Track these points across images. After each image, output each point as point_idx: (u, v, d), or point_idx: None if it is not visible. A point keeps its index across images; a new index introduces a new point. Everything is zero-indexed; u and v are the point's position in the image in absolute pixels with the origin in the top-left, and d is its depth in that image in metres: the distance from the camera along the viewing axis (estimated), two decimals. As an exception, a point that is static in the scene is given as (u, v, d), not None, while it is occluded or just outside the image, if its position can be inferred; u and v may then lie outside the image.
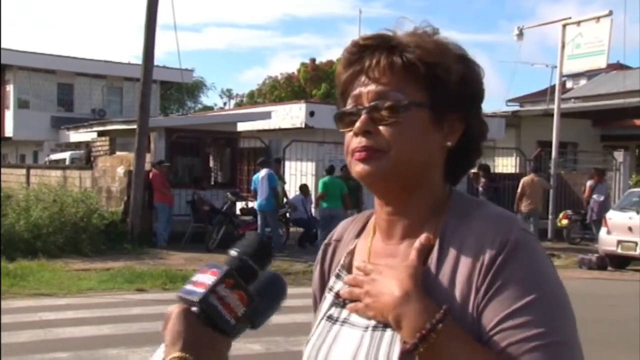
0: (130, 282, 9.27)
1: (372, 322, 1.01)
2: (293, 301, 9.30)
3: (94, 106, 30.21)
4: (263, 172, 12.11)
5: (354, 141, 1.04)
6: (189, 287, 0.93)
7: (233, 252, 0.97)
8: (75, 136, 22.57)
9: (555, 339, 0.92)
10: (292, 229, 13.76)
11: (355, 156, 1.03)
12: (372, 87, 1.04)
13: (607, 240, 12.13)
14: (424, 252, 1.01)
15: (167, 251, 12.04)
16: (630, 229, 11.87)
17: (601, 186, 14.74)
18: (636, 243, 11.75)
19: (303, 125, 17.82)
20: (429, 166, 1.05)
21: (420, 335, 0.93)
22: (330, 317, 1.10)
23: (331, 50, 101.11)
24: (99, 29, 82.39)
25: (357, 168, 1.03)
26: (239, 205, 14.05)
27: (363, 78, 1.05)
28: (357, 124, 1.03)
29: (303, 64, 45.01)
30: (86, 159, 16.72)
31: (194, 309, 0.92)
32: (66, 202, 12.24)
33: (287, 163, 15.07)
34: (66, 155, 22.93)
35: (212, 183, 14.62)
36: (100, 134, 16.37)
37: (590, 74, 27.06)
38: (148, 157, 12.98)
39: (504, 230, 0.98)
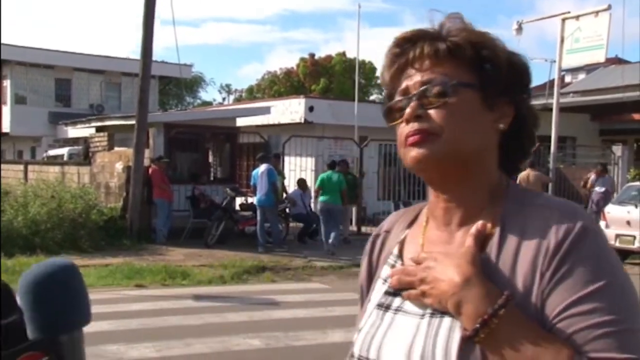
0: (129, 278, 9.27)
1: (428, 310, 1.00)
2: (293, 296, 9.33)
3: (92, 101, 30.16)
4: (262, 168, 12.10)
5: (405, 129, 1.03)
6: None
7: None
8: (73, 132, 22.56)
9: (625, 326, 0.90)
10: (291, 224, 13.76)
11: (409, 141, 1.02)
12: (418, 76, 1.04)
13: (606, 234, 12.10)
14: (481, 239, 1.00)
15: (166, 247, 12.04)
16: (628, 222, 11.88)
17: (603, 179, 14.78)
18: (634, 237, 11.77)
19: (302, 121, 17.81)
20: (483, 150, 1.04)
21: (482, 321, 0.91)
22: (381, 306, 1.08)
23: (329, 45, 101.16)
24: (97, 24, 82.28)
25: (412, 153, 1.02)
26: (239, 200, 14.04)
27: (408, 70, 1.05)
28: (407, 110, 1.02)
29: (302, 59, 44.94)
30: (84, 155, 16.69)
31: None
32: (64, 198, 12.22)
33: (286, 158, 15.06)
34: (64, 151, 22.91)
35: (212, 178, 14.60)
36: (99, 129, 16.34)
37: (589, 69, 27.02)
38: (147, 153, 12.97)
39: (569, 216, 0.97)
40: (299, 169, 15.27)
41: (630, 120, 21.68)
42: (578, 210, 0.99)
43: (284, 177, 14.18)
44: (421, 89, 1.02)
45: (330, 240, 11.93)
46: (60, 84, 30.16)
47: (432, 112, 1.01)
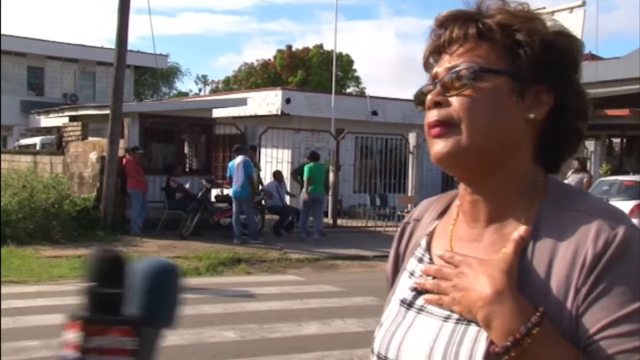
0: (102, 269, 9.17)
1: (455, 315, 0.94)
2: (268, 289, 9.34)
3: (65, 90, 29.70)
4: (239, 159, 12.06)
5: (427, 116, 0.98)
6: (63, 352, 0.83)
7: (85, 287, 0.87)
8: (46, 121, 22.19)
9: None
10: (267, 217, 13.73)
11: (431, 133, 0.97)
12: (447, 61, 0.98)
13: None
14: (523, 245, 0.92)
15: (140, 238, 11.93)
16: (600, 217, 12.08)
17: (574, 177, 15.09)
18: (606, 231, 11.97)
19: (279, 112, 17.76)
20: (511, 142, 0.96)
21: (514, 340, 0.85)
22: (405, 302, 1.03)
23: (306, 37, 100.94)
24: (70, 11, 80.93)
25: (434, 150, 0.96)
26: (214, 192, 13.97)
27: (442, 55, 1.01)
28: (429, 96, 0.98)
29: (279, 51, 44.80)
30: (57, 145, 16.44)
31: None
32: (36, 188, 12.03)
33: (262, 150, 15.01)
34: (37, 140, 22.52)
35: (187, 170, 14.50)
36: (72, 118, 16.10)
37: (563, 64, 27.38)
38: (121, 143, 12.82)
39: (610, 225, 0.88)
40: (275, 161, 15.25)
41: (603, 116, 22.00)
42: (622, 219, 0.90)
43: (259, 169, 14.14)
44: (446, 75, 0.97)
45: (320, 229, 12.63)
46: (33, 72, 29.65)
47: (453, 99, 0.95)
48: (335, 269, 10.23)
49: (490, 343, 0.88)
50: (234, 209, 12.19)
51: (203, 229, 12.59)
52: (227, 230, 12.54)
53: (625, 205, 12.01)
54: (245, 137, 14.82)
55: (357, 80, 47.50)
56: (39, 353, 5.33)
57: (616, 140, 24.92)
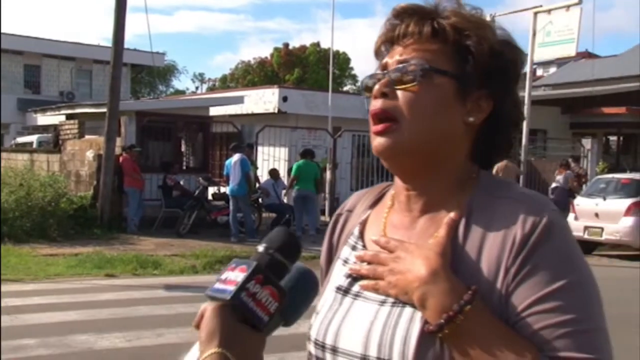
0: (99, 267, 9.16)
1: (390, 298, 0.97)
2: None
3: (62, 89, 29.63)
4: (236, 157, 12.05)
5: (373, 104, 1.01)
6: (218, 285, 0.92)
7: (260, 248, 0.95)
8: (42, 119, 22.11)
9: (588, 325, 0.89)
10: (264, 215, 13.73)
11: (373, 129, 1.00)
12: (398, 53, 1.01)
13: (575, 226, 12.36)
14: (454, 228, 0.97)
15: (137, 236, 11.92)
16: (596, 215, 12.12)
17: (561, 176, 15.23)
18: (602, 229, 12.02)
19: (276, 110, 17.74)
20: (449, 141, 1.00)
21: (447, 317, 0.89)
22: (340, 289, 1.05)
23: (302, 35, 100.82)
24: (67, 9, 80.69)
25: (374, 143, 1.00)
26: (211, 190, 13.96)
27: (395, 46, 1.03)
28: (376, 86, 1.01)
29: (276, 49, 44.74)
30: (54, 143, 16.40)
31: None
32: (33, 186, 12.01)
33: (259, 148, 15.00)
34: (33, 138, 22.48)
35: (184, 168, 14.49)
36: (69, 117, 16.06)
37: (560, 62, 27.40)
38: (118, 141, 12.81)
39: (536, 210, 0.94)
40: (272, 159, 15.24)
41: (600, 114, 22.04)
42: (546, 204, 0.96)
43: (257, 167, 14.13)
44: (396, 67, 1.00)
45: (315, 226, 12.69)
46: (29, 70, 29.59)
47: (399, 93, 0.99)
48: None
49: (425, 323, 0.92)
50: (230, 207, 12.18)
51: (200, 227, 12.58)
52: (224, 228, 12.53)
53: (622, 203, 12.05)
54: (242, 135, 14.82)
55: (354, 78, 47.47)
56: (37, 351, 5.32)
57: (613, 138, 24.97)
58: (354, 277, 1.04)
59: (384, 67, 1.03)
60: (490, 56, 0.99)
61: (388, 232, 1.06)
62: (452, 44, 0.99)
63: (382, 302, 0.98)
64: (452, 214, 0.98)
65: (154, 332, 5.92)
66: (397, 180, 1.07)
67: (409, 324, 0.94)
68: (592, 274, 0.96)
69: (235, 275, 0.90)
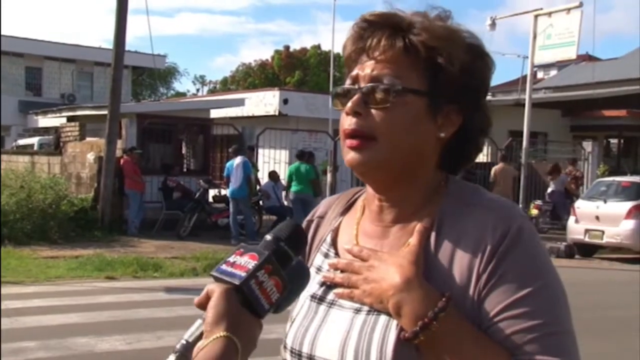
0: (100, 270, 9.16)
1: (364, 306, 0.99)
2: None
3: (63, 91, 29.64)
4: (238, 160, 12.05)
5: (345, 121, 1.02)
6: (226, 267, 0.93)
7: (269, 237, 0.97)
8: (43, 121, 22.14)
9: (556, 328, 0.92)
10: (264, 217, 13.73)
11: (347, 143, 1.01)
12: (369, 68, 1.01)
13: (575, 229, 12.36)
14: (426, 236, 0.99)
15: (138, 239, 11.92)
16: (597, 218, 12.10)
17: (554, 181, 15.28)
18: (603, 232, 12.00)
19: (277, 113, 17.77)
20: (422, 156, 1.02)
21: (423, 324, 0.91)
22: (315, 297, 1.06)
23: (302, 38, 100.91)
24: (68, 11, 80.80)
25: (348, 157, 1.01)
26: (212, 192, 13.96)
27: (364, 57, 1.02)
28: (349, 104, 1.01)
29: (277, 51, 44.77)
30: (55, 145, 16.40)
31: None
32: (34, 188, 12.01)
33: (260, 151, 15.01)
34: (34, 140, 22.46)
35: (185, 170, 14.49)
36: (70, 119, 16.09)
37: (560, 65, 27.42)
38: (119, 144, 12.81)
39: (505, 218, 0.97)
40: (272, 161, 15.25)
41: (600, 116, 22.03)
42: (514, 211, 0.99)
43: (257, 170, 14.14)
44: (368, 85, 1.00)
45: None
46: (31, 73, 29.59)
47: (373, 111, 0.99)
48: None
49: (401, 330, 0.93)
50: (231, 210, 12.17)
51: (201, 229, 12.58)
52: (224, 231, 12.53)
53: (622, 206, 12.04)
54: (243, 138, 14.82)
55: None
56: (37, 354, 5.32)
57: (614, 141, 24.95)
58: (328, 285, 1.05)
59: (355, 78, 1.02)
60: (460, 73, 0.99)
61: (360, 240, 1.07)
62: (423, 61, 0.99)
63: (358, 310, 0.99)
64: (423, 223, 1.00)
65: (154, 335, 5.92)
66: (369, 190, 1.08)
67: (385, 332, 0.95)
68: (559, 278, 0.98)
69: (245, 261, 0.92)
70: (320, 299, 1.05)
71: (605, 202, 12.32)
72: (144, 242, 11.63)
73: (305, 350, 1.02)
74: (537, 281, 0.93)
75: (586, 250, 12.41)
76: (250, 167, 12.33)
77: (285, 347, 1.06)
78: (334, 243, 1.11)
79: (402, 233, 1.02)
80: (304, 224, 1.19)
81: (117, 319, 6.52)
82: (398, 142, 0.99)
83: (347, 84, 1.04)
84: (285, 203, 14.03)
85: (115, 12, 12.52)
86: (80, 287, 8.21)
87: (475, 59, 1.02)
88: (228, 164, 12.39)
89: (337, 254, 1.09)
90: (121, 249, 10.96)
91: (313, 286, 1.07)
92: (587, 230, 12.18)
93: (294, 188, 12.42)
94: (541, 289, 0.93)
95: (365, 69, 1.01)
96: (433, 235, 0.99)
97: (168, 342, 5.69)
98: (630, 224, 11.80)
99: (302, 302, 1.08)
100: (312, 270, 1.10)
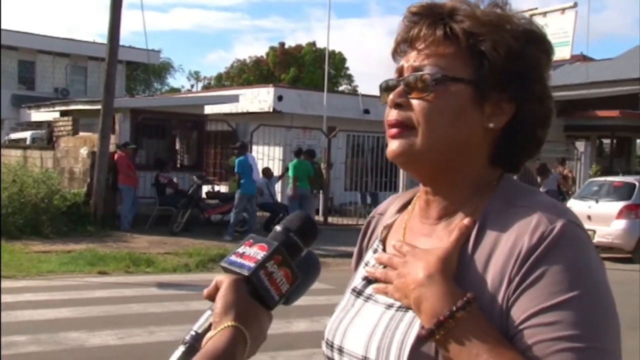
0: (92, 264, 9.14)
1: (397, 302, 0.97)
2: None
3: (56, 85, 29.52)
4: (250, 156, 12.22)
5: (388, 113, 1.01)
6: (235, 258, 0.93)
7: (279, 228, 0.97)
8: (36, 115, 22.04)
9: (592, 344, 0.83)
10: (258, 213, 13.72)
11: (388, 133, 0.99)
12: (412, 59, 0.99)
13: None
14: (466, 234, 0.95)
15: (131, 234, 11.90)
16: (589, 217, 12.16)
17: (546, 180, 15.34)
18: (594, 231, 12.05)
19: (271, 110, 17.73)
20: (468, 148, 0.98)
21: (437, 321, 0.88)
22: (355, 290, 1.07)
23: (296, 35, 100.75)
24: (62, 5, 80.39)
25: (389, 148, 0.99)
26: (205, 188, 13.94)
27: (409, 49, 1.01)
28: (390, 96, 0.99)
29: (272, 48, 44.70)
30: (48, 139, 16.34)
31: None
32: (26, 183, 11.97)
33: (254, 147, 14.97)
34: (27, 134, 22.38)
35: (178, 166, 14.46)
36: (63, 113, 16.02)
37: (554, 65, 27.47)
38: (112, 139, 12.77)
39: (548, 219, 0.90)
40: (266, 158, 15.22)
41: (594, 116, 22.13)
42: (562, 213, 0.91)
43: (251, 166, 14.15)
44: (410, 75, 0.98)
45: None
46: (24, 66, 29.45)
47: (414, 102, 0.97)
48: (326, 267, 10.23)
49: (422, 327, 0.91)
50: (237, 206, 12.05)
51: (194, 225, 12.56)
52: (217, 227, 12.51)
53: (614, 206, 12.10)
54: (237, 134, 14.79)
55: (349, 78, 47.49)
56: (28, 348, 5.31)
57: (606, 141, 25.07)
58: (369, 280, 1.05)
59: (400, 71, 1.01)
60: (507, 60, 0.96)
61: (407, 237, 1.06)
62: (467, 49, 0.96)
63: (389, 306, 0.98)
64: (465, 221, 0.96)
65: (146, 330, 5.91)
66: (421, 186, 1.06)
67: (408, 329, 0.93)
68: (610, 292, 0.90)
69: (254, 252, 0.92)
70: (359, 293, 1.06)
71: (597, 202, 12.38)
72: (137, 238, 11.60)
73: (337, 341, 1.02)
74: (575, 289, 0.85)
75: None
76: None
77: (323, 338, 1.06)
78: (384, 240, 1.10)
79: (445, 232, 0.99)
80: (366, 221, 1.21)
81: (108, 314, 6.51)
82: (439, 131, 0.96)
83: (394, 77, 1.02)
84: (279, 199, 14.04)
85: (109, 6, 12.48)
86: (72, 281, 8.19)
87: (527, 44, 0.98)
88: (238, 160, 12.15)
89: (384, 251, 1.09)
90: (114, 244, 10.94)
91: (357, 280, 1.08)
92: (579, 230, 12.23)
93: (301, 185, 12.55)
94: (578, 298, 0.85)
95: (409, 60, 1.00)
96: (473, 234, 0.95)
97: (160, 338, 5.69)
98: (621, 223, 11.87)
99: (346, 295, 1.09)
100: (362, 265, 1.11)
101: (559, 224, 0.89)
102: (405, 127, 0.97)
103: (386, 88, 1.02)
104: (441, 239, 0.99)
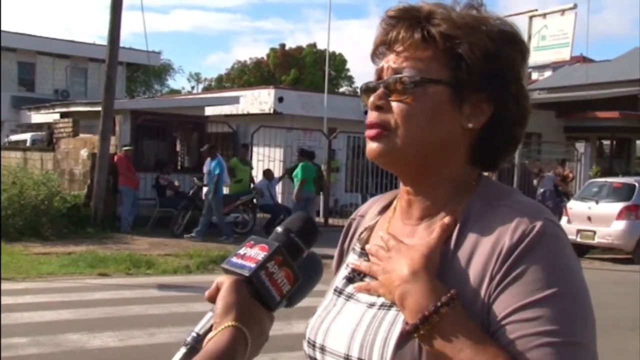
0: (92, 266, 9.14)
1: (379, 300, 0.99)
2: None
3: (56, 87, 29.53)
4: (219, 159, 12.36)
5: (368, 116, 1.02)
6: (236, 259, 0.94)
7: (280, 229, 0.98)
8: (36, 117, 22.05)
9: (570, 339, 0.86)
10: (258, 215, 13.72)
11: (367, 134, 1.01)
12: (392, 60, 1.01)
13: (567, 229, 12.39)
14: (448, 232, 0.97)
15: (131, 236, 11.89)
16: (589, 218, 12.17)
17: (543, 181, 15.35)
18: (594, 232, 12.06)
19: (271, 111, 17.73)
20: (447, 148, 1.00)
21: (422, 317, 0.89)
22: (336, 290, 1.08)
23: (296, 36, 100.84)
24: (62, 6, 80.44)
25: (368, 148, 1.01)
26: (205, 190, 13.93)
27: (387, 52, 1.03)
28: (370, 99, 1.01)
29: (273, 50, 44.72)
30: (48, 141, 16.34)
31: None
32: (26, 185, 11.96)
33: (254, 149, 14.98)
34: (27, 136, 22.38)
35: (179, 167, 14.46)
36: (63, 115, 16.03)
37: (554, 66, 27.50)
38: (113, 140, 12.78)
39: (528, 218, 0.92)
40: (267, 159, 15.23)
41: (594, 117, 22.14)
42: (540, 213, 0.94)
43: (251, 168, 14.13)
44: (389, 78, 1.00)
45: None
46: (24, 68, 29.47)
47: (394, 104, 0.99)
48: (326, 268, 10.14)
49: (406, 323, 0.92)
50: (217, 210, 12.15)
51: (194, 226, 12.55)
52: (218, 229, 12.51)
53: (614, 207, 12.10)
54: (237, 136, 14.79)
55: (350, 79, 47.51)
56: (28, 350, 5.30)
57: (606, 142, 25.07)
58: (350, 279, 1.07)
59: (380, 73, 1.03)
60: (484, 61, 0.97)
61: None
62: (444, 51, 0.98)
63: (371, 305, 1.00)
64: (446, 219, 0.98)
65: (146, 332, 5.91)
66: (402, 187, 1.07)
67: (391, 326, 0.95)
68: (586, 289, 0.92)
69: (255, 253, 0.93)
70: (340, 292, 1.07)
71: (597, 202, 12.38)
72: (137, 239, 11.60)
73: (319, 340, 1.03)
74: (554, 286, 0.88)
75: (578, 250, 12.43)
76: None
77: (304, 337, 1.07)
78: (366, 242, 1.11)
79: (427, 232, 1.00)
80: (346, 223, 1.21)
81: (109, 316, 6.51)
82: (417, 132, 0.98)
83: (374, 79, 1.04)
84: (280, 201, 14.04)
85: (110, 8, 12.48)
86: (72, 283, 8.19)
87: (503, 45, 0.99)
88: (216, 162, 12.14)
89: (364, 253, 1.09)
90: (114, 245, 10.94)
91: (338, 280, 1.10)
92: (579, 231, 12.23)
93: (307, 187, 12.53)
94: (558, 295, 0.88)
95: (389, 61, 1.02)
96: (455, 233, 0.97)
97: (160, 339, 5.69)
98: (621, 224, 11.87)
99: (327, 295, 1.10)
100: (343, 267, 1.12)
101: (539, 223, 0.92)
102: (384, 129, 0.99)
103: (366, 90, 1.04)
104: (423, 239, 1.00)
